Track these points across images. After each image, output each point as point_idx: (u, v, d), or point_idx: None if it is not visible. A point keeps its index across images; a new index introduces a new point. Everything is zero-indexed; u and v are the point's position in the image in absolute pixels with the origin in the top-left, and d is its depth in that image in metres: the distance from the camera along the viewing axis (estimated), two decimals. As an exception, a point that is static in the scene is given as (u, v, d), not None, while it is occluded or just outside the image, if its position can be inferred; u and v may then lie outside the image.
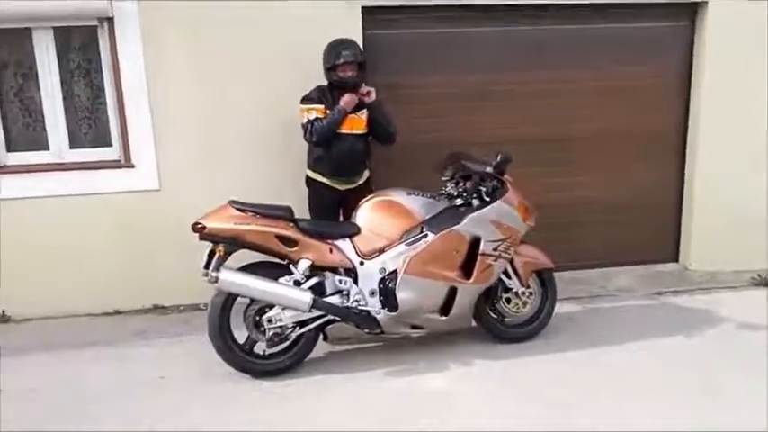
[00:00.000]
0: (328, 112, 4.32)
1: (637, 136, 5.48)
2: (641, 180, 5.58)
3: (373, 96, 4.41)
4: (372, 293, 3.96)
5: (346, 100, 4.33)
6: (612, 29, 5.29)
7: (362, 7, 4.79)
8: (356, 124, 4.41)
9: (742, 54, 5.28)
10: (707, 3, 5.22)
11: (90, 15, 4.59)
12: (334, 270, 3.97)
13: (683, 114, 5.54)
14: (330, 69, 4.36)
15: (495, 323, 4.28)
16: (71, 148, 4.88)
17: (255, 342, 3.91)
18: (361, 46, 4.54)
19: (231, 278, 3.75)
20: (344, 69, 4.34)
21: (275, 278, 3.82)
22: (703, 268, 5.56)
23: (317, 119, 4.31)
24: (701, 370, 3.90)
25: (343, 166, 4.45)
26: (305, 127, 4.34)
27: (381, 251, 4.00)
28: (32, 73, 4.78)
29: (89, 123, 4.93)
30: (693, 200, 5.55)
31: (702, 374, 3.84)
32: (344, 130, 4.37)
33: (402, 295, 3.91)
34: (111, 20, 4.61)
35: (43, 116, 4.82)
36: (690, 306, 4.90)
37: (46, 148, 4.86)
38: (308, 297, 3.79)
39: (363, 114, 4.44)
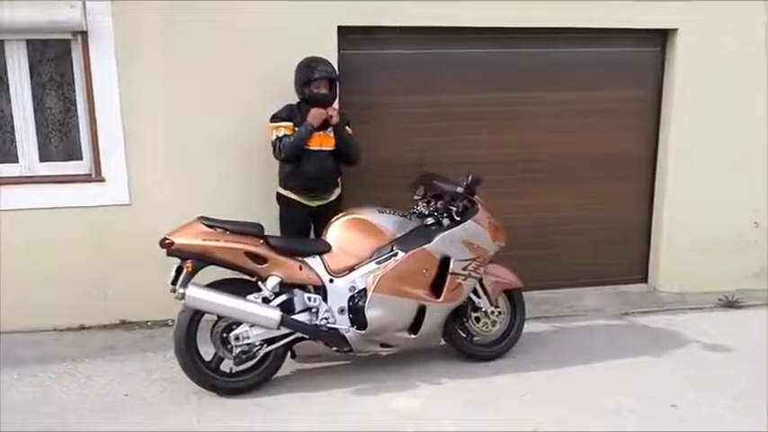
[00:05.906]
0: (297, 129, 4.33)
1: (607, 158, 5.56)
2: (611, 202, 5.65)
3: (335, 120, 4.37)
4: (341, 311, 3.95)
5: (313, 114, 4.31)
6: (584, 53, 5.37)
7: (338, 27, 4.83)
8: (326, 141, 4.42)
9: (711, 80, 5.40)
10: (677, 30, 5.33)
11: (64, 29, 4.55)
12: (304, 287, 3.95)
13: (653, 138, 5.64)
14: (304, 85, 4.37)
15: (464, 342, 4.30)
16: (41, 161, 4.82)
17: (222, 359, 3.88)
18: (335, 66, 4.57)
19: (198, 294, 3.70)
20: (319, 86, 4.36)
21: (243, 295, 3.80)
22: (671, 289, 5.64)
23: (285, 135, 4.31)
24: (666, 390, 3.93)
25: (314, 183, 4.45)
26: (274, 144, 4.34)
27: (351, 269, 4.00)
28: (3, 85, 4.73)
29: (60, 136, 4.88)
30: (662, 222, 5.64)
31: (666, 395, 3.87)
32: (314, 146, 4.37)
33: (371, 313, 3.91)
34: (84, 33, 4.58)
35: (13, 128, 4.76)
36: (657, 326, 4.95)
37: (15, 160, 4.79)
38: (276, 314, 3.76)
39: (332, 132, 4.44)
